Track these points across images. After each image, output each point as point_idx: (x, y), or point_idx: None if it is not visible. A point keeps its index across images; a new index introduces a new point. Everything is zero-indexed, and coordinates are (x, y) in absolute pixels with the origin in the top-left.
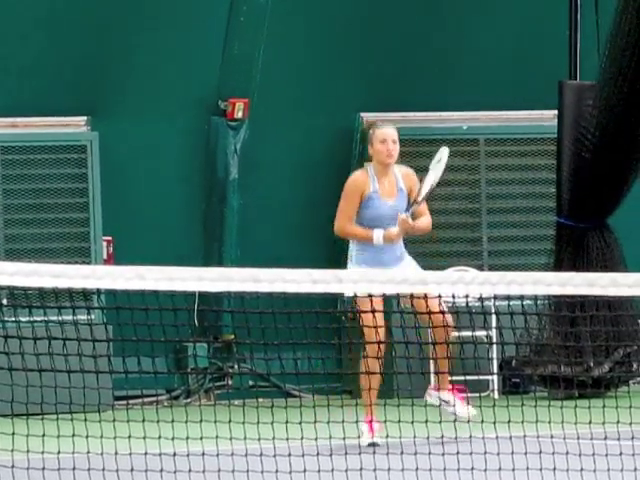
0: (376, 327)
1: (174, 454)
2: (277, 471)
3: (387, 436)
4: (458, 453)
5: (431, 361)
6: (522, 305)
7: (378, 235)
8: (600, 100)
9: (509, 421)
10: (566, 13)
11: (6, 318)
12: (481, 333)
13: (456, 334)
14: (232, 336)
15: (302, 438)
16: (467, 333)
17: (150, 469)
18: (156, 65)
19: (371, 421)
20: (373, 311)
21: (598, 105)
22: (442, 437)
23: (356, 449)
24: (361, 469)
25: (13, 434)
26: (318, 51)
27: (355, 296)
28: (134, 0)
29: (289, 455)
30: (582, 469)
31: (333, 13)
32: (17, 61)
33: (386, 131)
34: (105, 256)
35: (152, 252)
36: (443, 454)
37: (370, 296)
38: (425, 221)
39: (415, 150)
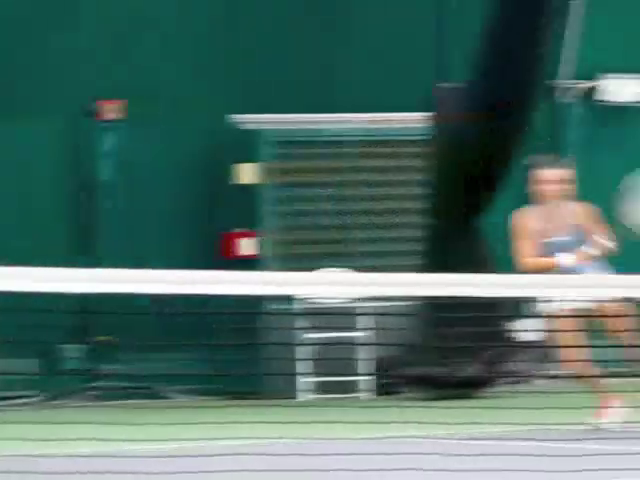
0: None
1: (48, 456)
2: (148, 473)
3: (256, 437)
4: (330, 455)
5: (302, 362)
6: (393, 306)
7: (564, 261)
8: (469, 103)
9: (380, 422)
10: (434, 16)
11: None
12: (353, 334)
13: (327, 335)
14: (107, 337)
15: (175, 439)
16: (339, 334)
17: (25, 471)
18: (29, 65)
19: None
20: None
21: (467, 108)
22: (314, 438)
23: (229, 450)
24: (233, 470)
25: None
26: (190, 53)
27: None
28: (36, 7)
29: (163, 457)
30: (450, 469)
31: (205, 13)
32: None
33: (545, 172)
34: None
35: (22, 253)
36: (319, 455)
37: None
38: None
39: (287, 152)
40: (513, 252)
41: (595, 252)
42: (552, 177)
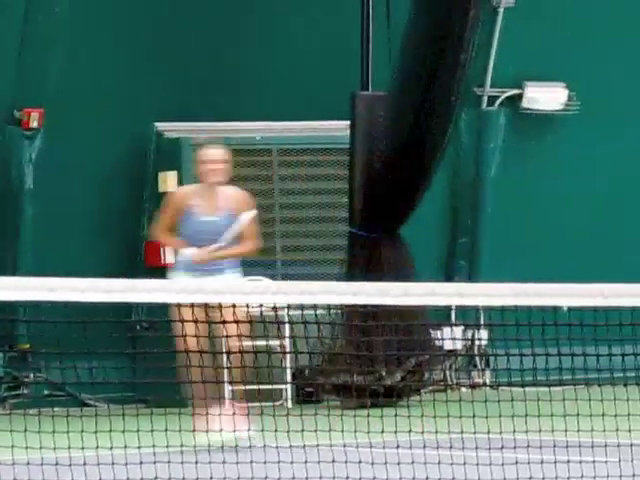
0: (184, 336)
1: None
2: None
3: (182, 445)
4: (252, 462)
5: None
6: (315, 314)
7: (188, 254)
8: (392, 111)
9: (302, 430)
10: (358, 25)
11: None
12: (274, 342)
13: (250, 343)
14: (27, 345)
15: (97, 447)
16: (261, 342)
17: None
18: None
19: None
20: (182, 321)
21: (389, 116)
22: (236, 446)
23: (151, 458)
24: (156, 478)
25: None
26: (113, 60)
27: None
28: None
29: (84, 464)
30: (375, 478)
31: (129, 23)
32: None
33: (206, 152)
34: None
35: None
36: (237, 463)
37: (179, 305)
38: (240, 248)
39: None
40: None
41: (234, 232)
42: (213, 157)
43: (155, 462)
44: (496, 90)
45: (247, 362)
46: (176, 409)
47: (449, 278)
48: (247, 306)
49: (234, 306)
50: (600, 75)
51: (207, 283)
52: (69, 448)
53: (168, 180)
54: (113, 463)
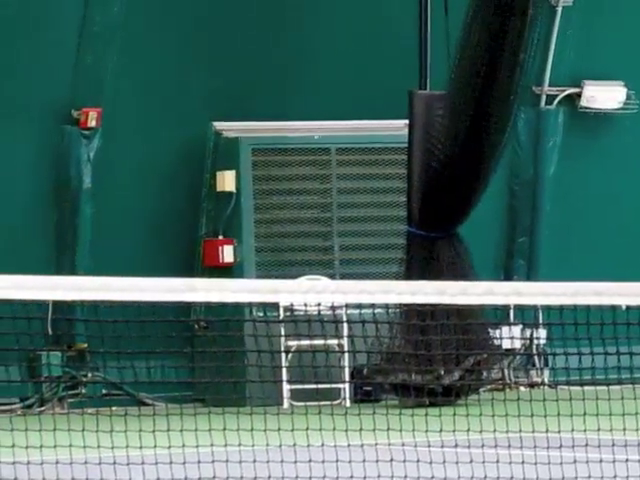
0: None
1: (28, 463)
2: (130, 479)
3: (240, 444)
4: (310, 461)
5: (283, 370)
6: (373, 314)
7: None
8: (449, 110)
9: (361, 429)
10: (416, 23)
11: None
12: (333, 341)
13: (308, 342)
14: (85, 345)
15: (155, 446)
16: (319, 341)
17: (3, 478)
18: (9, 74)
19: None
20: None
21: (447, 115)
22: (294, 445)
23: (209, 457)
24: (214, 477)
25: None
26: (171, 60)
27: None
28: None
29: (142, 463)
30: (433, 477)
31: (186, 22)
32: None
33: None
34: None
35: (4, 261)
36: (295, 462)
37: None
38: None
39: (268, 159)
40: None
41: None
42: None
43: (213, 461)
44: (554, 89)
45: (305, 361)
46: (234, 408)
47: (508, 277)
48: (305, 305)
49: None
50: None
51: (264, 283)
52: (127, 447)
53: (226, 179)
54: (171, 462)
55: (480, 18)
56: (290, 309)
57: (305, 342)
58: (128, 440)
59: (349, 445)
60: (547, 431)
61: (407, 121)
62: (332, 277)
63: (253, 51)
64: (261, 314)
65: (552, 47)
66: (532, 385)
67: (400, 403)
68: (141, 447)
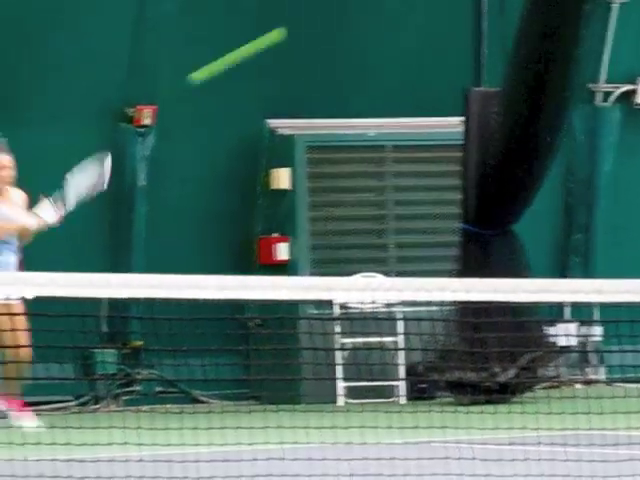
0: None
1: (82, 460)
2: (186, 478)
3: (295, 442)
4: (365, 459)
5: (338, 367)
6: (428, 311)
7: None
8: (505, 107)
9: (416, 427)
10: (472, 20)
11: None
12: (388, 339)
13: (363, 340)
14: (140, 342)
15: (210, 444)
16: (374, 339)
17: (58, 476)
18: (63, 72)
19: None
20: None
21: (503, 112)
22: (349, 443)
23: (264, 455)
24: (269, 475)
25: None
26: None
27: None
28: (39, 6)
29: (197, 461)
30: (489, 474)
31: (240, 20)
32: None
33: (2, 157)
34: None
35: (60, 259)
36: (350, 459)
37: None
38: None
39: (322, 157)
40: None
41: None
42: (6, 163)
43: (268, 459)
44: (610, 86)
45: (360, 359)
46: (289, 406)
47: (563, 275)
48: (360, 302)
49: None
50: None
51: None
52: (182, 445)
53: (281, 177)
54: (226, 460)
55: (535, 15)
56: (345, 307)
57: (360, 340)
58: (183, 438)
59: (404, 443)
60: (603, 429)
61: (462, 118)
62: (387, 274)
63: (308, 49)
64: (316, 312)
65: (608, 44)
66: (588, 382)
67: (455, 401)
68: (196, 445)
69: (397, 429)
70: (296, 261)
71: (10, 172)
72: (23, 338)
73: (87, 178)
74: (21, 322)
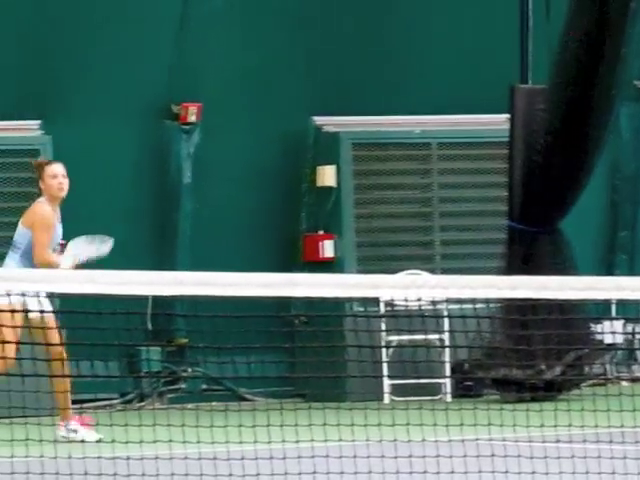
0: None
1: (127, 458)
2: (230, 475)
3: (340, 440)
4: (411, 456)
5: (384, 365)
6: (474, 308)
7: (65, 262)
8: (551, 104)
9: (461, 424)
10: (517, 17)
11: None
12: (433, 336)
13: (408, 337)
14: (185, 340)
15: (255, 442)
16: (420, 336)
17: (104, 473)
18: (108, 69)
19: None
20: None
21: (549, 109)
22: (395, 440)
23: (309, 453)
24: (314, 472)
25: None
26: (270, 55)
27: None
28: (86, 4)
29: (242, 459)
30: (534, 472)
31: (286, 17)
32: None
33: (56, 167)
34: None
35: (106, 257)
36: (396, 457)
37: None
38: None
39: (367, 154)
40: (35, 243)
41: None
42: (60, 171)
43: (313, 456)
44: None
45: (406, 356)
46: (334, 403)
47: (609, 272)
48: (405, 300)
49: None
50: None
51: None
52: (227, 443)
53: (326, 174)
54: (271, 457)
55: (582, 12)
56: (390, 304)
57: (406, 337)
58: (228, 436)
59: (450, 440)
60: None
61: (508, 115)
62: (433, 272)
63: (353, 46)
64: (361, 309)
65: None
66: (634, 380)
67: (501, 398)
68: (241, 442)
69: (443, 427)
70: (342, 258)
71: (65, 181)
72: (54, 338)
73: (87, 249)
74: (50, 320)
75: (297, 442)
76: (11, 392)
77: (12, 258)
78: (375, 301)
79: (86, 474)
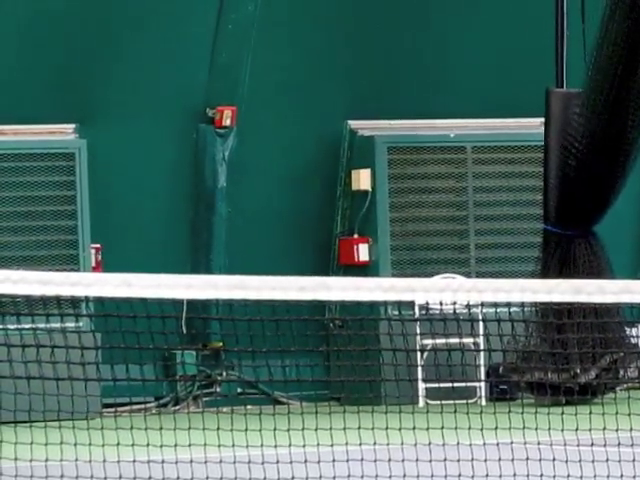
0: None
1: (162, 461)
2: (265, 478)
3: (375, 443)
4: (445, 460)
5: (419, 368)
6: (509, 312)
7: None
8: (587, 108)
9: (496, 428)
10: (552, 21)
11: None
12: (468, 340)
13: (443, 341)
14: (220, 343)
15: (290, 445)
16: (455, 340)
17: (138, 477)
18: (144, 73)
19: None
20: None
21: (585, 113)
22: (429, 444)
23: (344, 456)
24: (349, 476)
25: (1, 442)
26: (305, 59)
27: None
28: (121, 8)
29: (277, 462)
30: (569, 476)
31: (320, 21)
32: (3, 69)
33: None
34: (93, 263)
35: (140, 260)
36: (430, 461)
37: None
38: None
39: (403, 158)
40: None
41: None
42: None
43: (348, 460)
44: None
45: (441, 360)
46: (369, 407)
47: None
48: (440, 303)
49: None
50: None
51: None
52: (262, 446)
53: (361, 178)
54: (306, 461)
55: (617, 16)
56: (425, 307)
57: (441, 340)
58: (263, 439)
59: (485, 444)
60: None
61: (543, 119)
62: (468, 275)
63: (388, 50)
64: (396, 312)
65: None
66: None
67: (536, 401)
68: (276, 446)
69: (477, 430)
70: (377, 262)
71: None
72: None
73: None
74: None
75: (332, 445)
76: (45, 395)
77: None
78: (410, 304)
79: (121, 477)
